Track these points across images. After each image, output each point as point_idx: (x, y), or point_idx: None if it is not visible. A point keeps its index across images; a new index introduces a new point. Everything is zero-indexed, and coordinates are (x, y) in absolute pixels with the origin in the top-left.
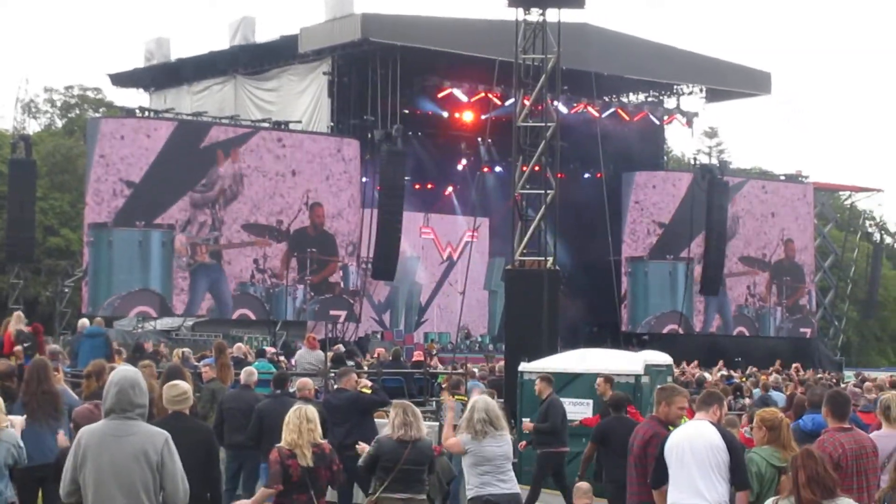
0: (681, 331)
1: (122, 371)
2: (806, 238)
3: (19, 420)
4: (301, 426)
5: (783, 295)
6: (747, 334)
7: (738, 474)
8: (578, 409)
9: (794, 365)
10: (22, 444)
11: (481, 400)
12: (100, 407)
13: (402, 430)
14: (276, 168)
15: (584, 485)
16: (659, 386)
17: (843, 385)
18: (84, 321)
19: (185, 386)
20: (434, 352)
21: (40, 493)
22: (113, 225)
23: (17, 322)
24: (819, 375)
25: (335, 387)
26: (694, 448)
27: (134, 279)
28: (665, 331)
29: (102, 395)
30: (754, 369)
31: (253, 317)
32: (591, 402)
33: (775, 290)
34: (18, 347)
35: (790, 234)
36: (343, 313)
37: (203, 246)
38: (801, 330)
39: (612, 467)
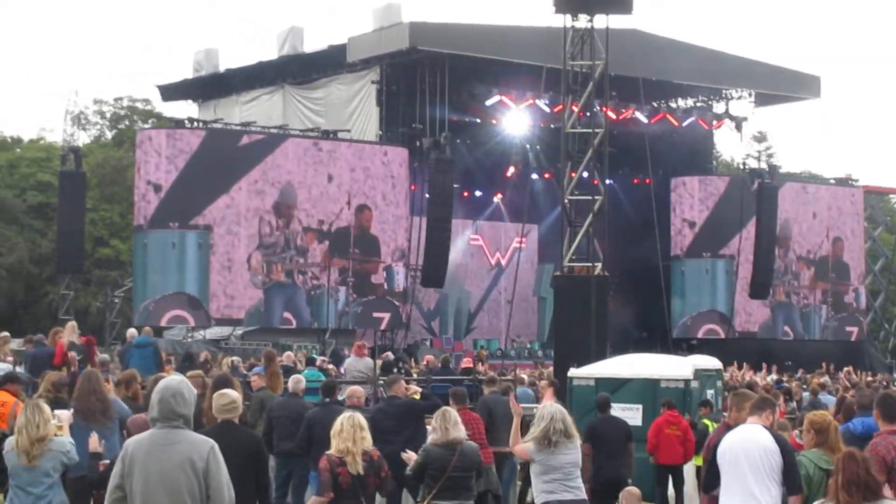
0: (720, 330)
1: (167, 381)
2: (856, 241)
3: (66, 415)
4: (355, 434)
5: (828, 294)
6: (792, 336)
7: (791, 478)
8: (628, 415)
9: (845, 368)
10: (70, 449)
11: (557, 410)
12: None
13: (443, 433)
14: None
15: (634, 490)
16: (732, 392)
17: (893, 388)
18: (133, 331)
19: (234, 395)
20: (484, 359)
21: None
22: (148, 227)
23: (70, 333)
24: (870, 378)
25: (387, 394)
26: (748, 452)
27: (169, 281)
28: (702, 330)
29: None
30: (803, 372)
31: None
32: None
33: (819, 290)
34: (73, 353)
35: (838, 234)
36: (387, 316)
37: (278, 264)
38: (847, 329)
39: (599, 466)
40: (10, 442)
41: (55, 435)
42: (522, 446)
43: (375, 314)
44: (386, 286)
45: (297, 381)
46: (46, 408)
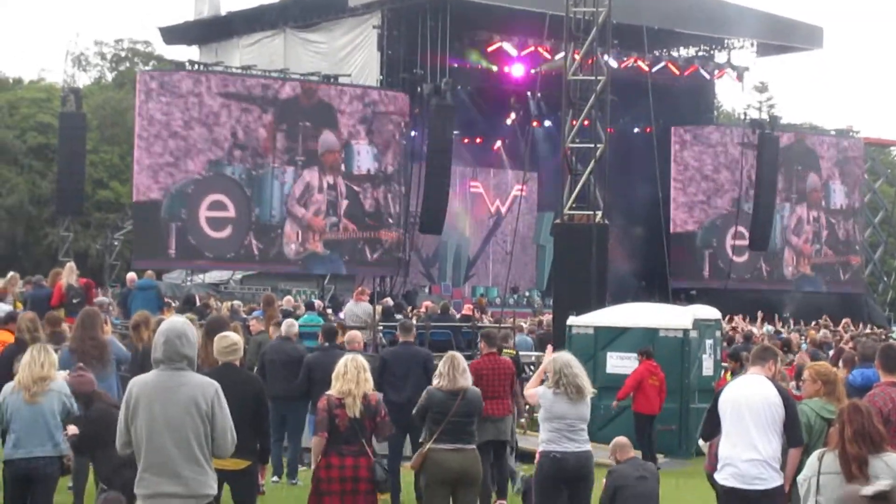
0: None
1: (170, 322)
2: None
3: (62, 374)
4: (359, 375)
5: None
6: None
7: (793, 430)
8: (626, 364)
9: (843, 320)
10: (71, 394)
11: (571, 359)
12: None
13: (450, 380)
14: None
15: (623, 440)
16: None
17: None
18: (133, 274)
19: (235, 337)
20: (485, 307)
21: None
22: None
23: (69, 274)
24: (868, 330)
25: (401, 340)
26: (751, 403)
27: None
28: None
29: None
30: (802, 324)
31: None
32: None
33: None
34: None
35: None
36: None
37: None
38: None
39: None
40: (9, 386)
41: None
42: (534, 390)
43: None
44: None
45: (290, 325)
46: (52, 352)
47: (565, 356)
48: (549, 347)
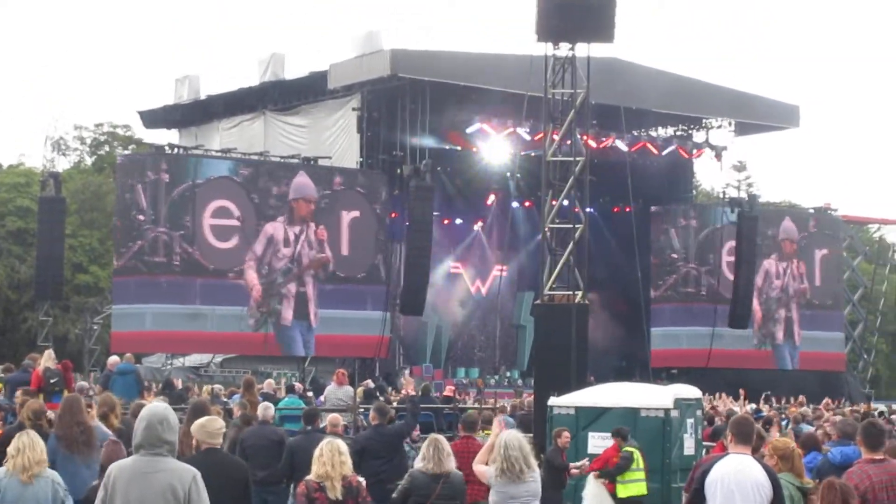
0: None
1: (151, 407)
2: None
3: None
4: (334, 458)
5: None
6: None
7: None
8: (608, 444)
9: (825, 400)
10: (63, 485)
11: (514, 438)
12: (118, 444)
13: (433, 464)
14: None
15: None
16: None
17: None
18: (114, 358)
19: (220, 421)
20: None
21: None
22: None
23: (47, 360)
24: (850, 408)
25: (374, 423)
26: (740, 484)
27: None
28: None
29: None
30: (783, 402)
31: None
32: None
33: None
34: None
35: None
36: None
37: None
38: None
39: None
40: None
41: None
42: (483, 468)
43: None
44: None
45: (266, 409)
46: (40, 440)
47: (510, 436)
48: (497, 421)
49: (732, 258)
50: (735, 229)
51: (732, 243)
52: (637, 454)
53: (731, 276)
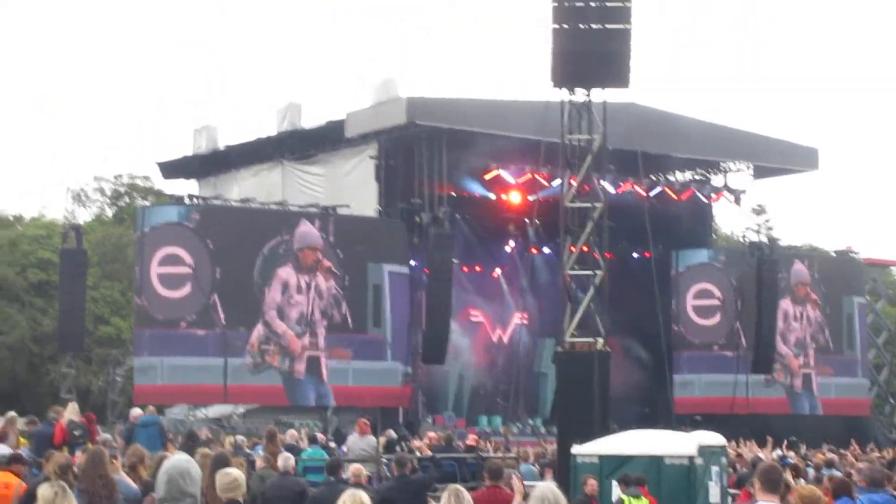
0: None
1: (174, 460)
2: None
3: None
4: None
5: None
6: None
7: None
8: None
9: (851, 446)
10: None
11: (549, 490)
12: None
13: None
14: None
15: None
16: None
17: None
18: (137, 410)
19: (236, 472)
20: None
21: None
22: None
23: (71, 413)
24: (876, 454)
25: (397, 473)
26: None
27: None
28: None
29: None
30: (808, 449)
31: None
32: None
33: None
34: None
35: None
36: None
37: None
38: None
39: None
40: None
41: None
42: None
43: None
44: None
45: (286, 459)
46: (71, 494)
47: (546, 488)
48: (515, 476)
49: (698, 302)
50: (705, 269)
51: (700, 286)
52: (627, 500)
53: (697, 321)
